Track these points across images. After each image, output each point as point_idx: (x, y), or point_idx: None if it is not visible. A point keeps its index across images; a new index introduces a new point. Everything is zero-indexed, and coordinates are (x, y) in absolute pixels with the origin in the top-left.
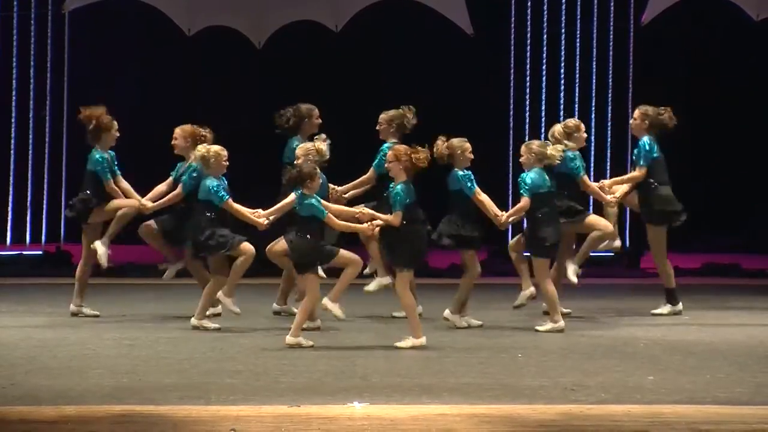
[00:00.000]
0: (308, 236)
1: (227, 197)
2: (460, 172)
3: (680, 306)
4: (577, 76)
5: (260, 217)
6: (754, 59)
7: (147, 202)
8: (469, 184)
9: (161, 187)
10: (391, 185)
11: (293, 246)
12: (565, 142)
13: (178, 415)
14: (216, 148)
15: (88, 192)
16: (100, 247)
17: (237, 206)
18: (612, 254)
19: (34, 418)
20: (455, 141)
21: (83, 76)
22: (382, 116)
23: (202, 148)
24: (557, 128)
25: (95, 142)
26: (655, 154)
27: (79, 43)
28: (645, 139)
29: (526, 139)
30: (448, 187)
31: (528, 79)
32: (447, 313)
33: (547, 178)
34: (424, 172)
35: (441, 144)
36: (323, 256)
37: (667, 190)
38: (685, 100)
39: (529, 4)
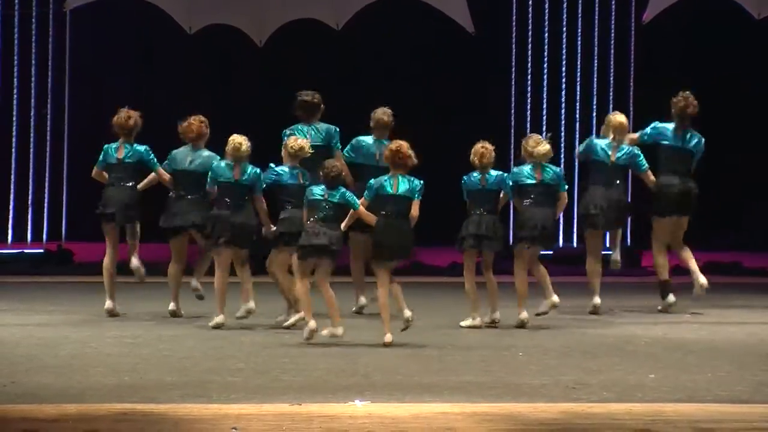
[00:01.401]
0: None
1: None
2: (498, 173)
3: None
4: (579, 74)
5: None
6: (755, 58)
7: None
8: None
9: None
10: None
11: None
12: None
13: (179, 414)
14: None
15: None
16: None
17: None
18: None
19: (36, 417)
20: (491, 147)
21: (84, 74)
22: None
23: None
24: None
25: (130, 139)
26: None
27: (80, 42)
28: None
29: None
30: (496, 188)
31: (529, 77)
32: (497, 315)
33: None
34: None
35: (483, 150)
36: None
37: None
38: None
39: (530, 2)
